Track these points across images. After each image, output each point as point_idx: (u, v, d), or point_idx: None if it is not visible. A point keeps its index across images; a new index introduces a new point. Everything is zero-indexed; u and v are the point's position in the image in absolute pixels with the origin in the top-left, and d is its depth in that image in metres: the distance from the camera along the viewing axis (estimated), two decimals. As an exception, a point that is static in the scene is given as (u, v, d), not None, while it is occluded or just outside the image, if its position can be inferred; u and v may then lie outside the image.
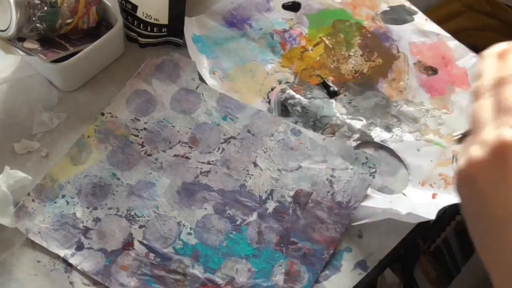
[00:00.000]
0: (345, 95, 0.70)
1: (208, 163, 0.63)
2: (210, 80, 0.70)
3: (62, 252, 0.57)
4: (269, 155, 0.64)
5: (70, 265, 0.57)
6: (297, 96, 0.69)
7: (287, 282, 0.57)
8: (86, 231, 0.59)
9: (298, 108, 0.68)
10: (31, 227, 0.58)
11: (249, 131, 0.66)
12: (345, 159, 0.63)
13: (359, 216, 0.60)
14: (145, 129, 0.65)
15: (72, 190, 0.61)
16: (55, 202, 0.60)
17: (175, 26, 0.70)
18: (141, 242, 0.58)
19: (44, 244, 0.57)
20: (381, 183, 0.64)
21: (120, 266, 0.57)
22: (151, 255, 0.58)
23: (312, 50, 0.73)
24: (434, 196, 0.62)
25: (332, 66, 0.72)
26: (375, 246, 0.61)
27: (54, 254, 0.57)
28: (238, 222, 0.60)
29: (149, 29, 0.69)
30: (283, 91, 0.69)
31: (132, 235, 0.59)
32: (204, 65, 0.71)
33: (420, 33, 0.74)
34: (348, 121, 0.67)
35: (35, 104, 0.66)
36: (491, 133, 0.34)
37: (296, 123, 0.67)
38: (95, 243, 0.58)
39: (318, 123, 0.67)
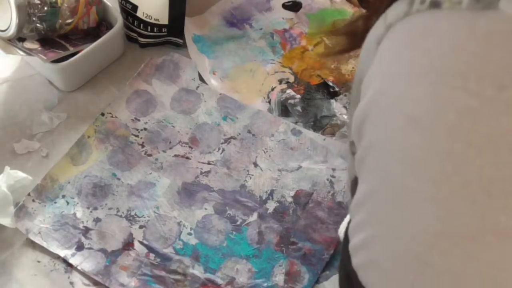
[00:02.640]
0: (345, 95, 0.70)
1: (208, 163, 0.63)
2: (210, 80, 0.69)
3: (62, 252, 0.57)
4: (269, 155, 0.64)
5: (70, 265, 0.57)
6: (297, 96, 0.69)
7: (287, 282, 0.57)
8: (86, 231, 0.59)
9: (298, 108, 0.68)
10: (31, 227, 0.58)
11: (249, 131, 0.66)
12: (345, 159, 0.63)
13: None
14: (145, 129, 0.65)
15: (72, 190, 0.61)
16: (55, 202, 0.60)
17: (175, 26, 0.70)
18: (141, 242, 0.58)
19: (44, 244, 0.57)
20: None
21: (120, 266, 0.57)
22: (151, 255, 0.58)
23: (312, 50, 0.73)
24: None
25: (332, 66, 0.72)
26: (375, 246, 0.60)
27: (54, 254, 0.57)
28: (238, 222, 0.60)
29: (149, 29, 0.69)
30: (283, 91, 0.69)
31: (132, 235, 0.59)
32: (204, 65, 0.71)
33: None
34: (348, 121, 0.67)
35: (35, 104, 0.66)
36: None
37: (296, 123, 0.67)
38: (95, 243, 0.58)
39: (318, 123, 0.67)
